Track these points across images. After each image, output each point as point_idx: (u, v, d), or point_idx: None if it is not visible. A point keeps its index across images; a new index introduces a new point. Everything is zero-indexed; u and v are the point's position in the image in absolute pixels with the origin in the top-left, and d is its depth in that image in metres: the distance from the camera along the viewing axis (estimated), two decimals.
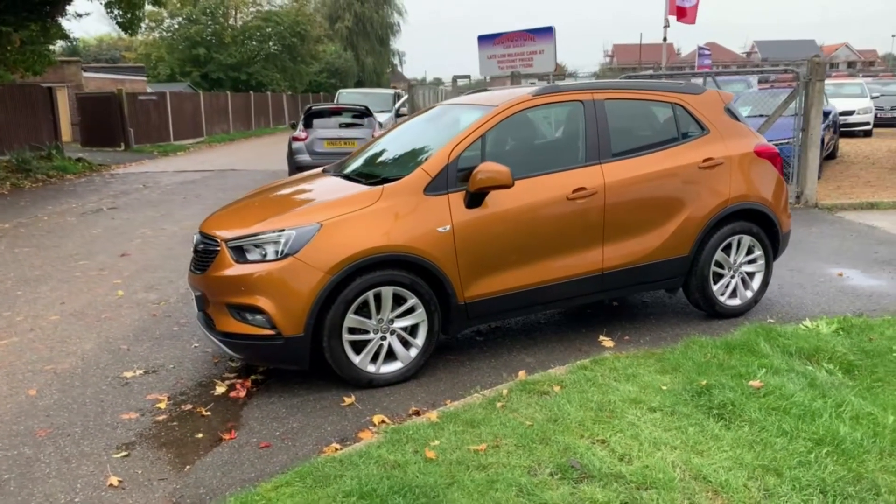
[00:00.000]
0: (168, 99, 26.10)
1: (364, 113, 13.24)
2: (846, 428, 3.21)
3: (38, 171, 15.47)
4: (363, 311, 4.11)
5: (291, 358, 4.07)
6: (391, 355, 4.24)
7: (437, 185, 4.26)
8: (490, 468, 3.01)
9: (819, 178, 10.17)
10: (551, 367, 4.27)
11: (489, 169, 4.18)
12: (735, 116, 5.30)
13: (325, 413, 3.91)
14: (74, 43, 23.48)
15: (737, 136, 5.17)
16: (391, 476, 2.94)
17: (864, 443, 3.11)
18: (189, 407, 4.03)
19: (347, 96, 22.54)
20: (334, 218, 4.08)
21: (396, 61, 61.48)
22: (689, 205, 4.89)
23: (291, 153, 12.50)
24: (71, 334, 5.28)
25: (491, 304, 4.43)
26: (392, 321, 4.20)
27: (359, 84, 47.06)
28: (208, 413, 3.95)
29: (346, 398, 4.04)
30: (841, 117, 15.39)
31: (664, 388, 3.76)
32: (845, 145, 16.00)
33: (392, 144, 5.33)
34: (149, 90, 30.03)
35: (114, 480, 3.24)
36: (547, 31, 14.51)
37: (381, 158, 5.17)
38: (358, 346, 4.15)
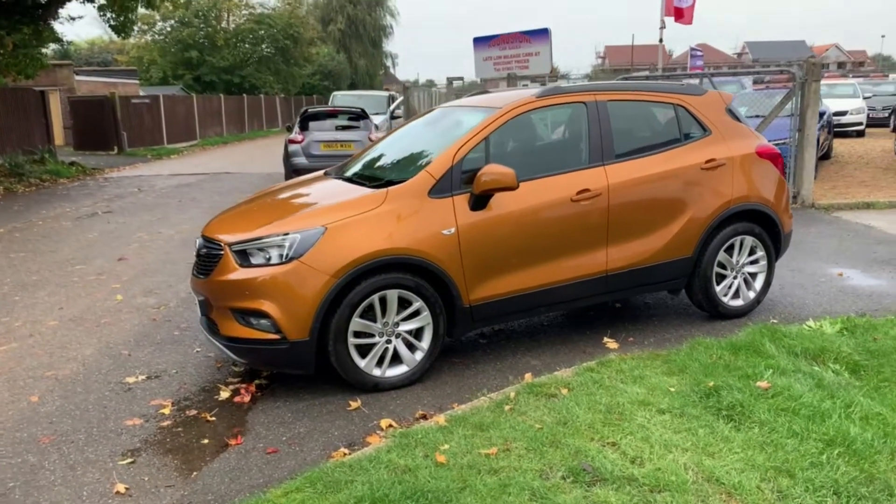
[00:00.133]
0: (161, 102, 25.99)
1: (360, 115, 13.22)
2: (856, 429, 3.21)
3: (31, 175, 15.38)
4: (368, 314, 4.09)
5: (297, 362, 4.05)
6: (396, 359, 4.22)
7: (441, 188, 4.25)
8: (502, 472, 3.00)
9: (815, 178, 10.20)
10: (557, 370, 4.25)
11: (494, 171, 4.17)
12: (736, 117, 5.31)
13: (331, 417, 3.88)
14: (66, 46, 23.26)
15: (738, 137, 5.18)
16: (403, 481, 2.92)
17: (874, 443, 3.11)
18: (194, 412, 4.00)
19: (342, 99, 22.53)
20: (339, 221, 4.05)
21: (389, 63, 61.49)
22: (692, 206, 4.89)
23: (288, 156, 12.45)
24: (71, 340, 5.23)
25: (496, 306, 4.41)
26: (397, 324, 4.17)
27: (352, 86, 47.05)
28: (213, 418, 3.92)
29: (351, 402, 4.01)
30: (834, 118, 15.46)
31: (672, 389, 3.75)
32: (839, 145, 16.08)
33: (394, 147, 5.31)
34: (141, 93, 29.93)
35: (121, 488, 3.21)
36: (543, 33, 14.53)
37: (383, 161, 5.15)
38: (363, 350, 4.12)
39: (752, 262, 5.26)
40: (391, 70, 63.60)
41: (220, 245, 4.19)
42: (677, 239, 4.87)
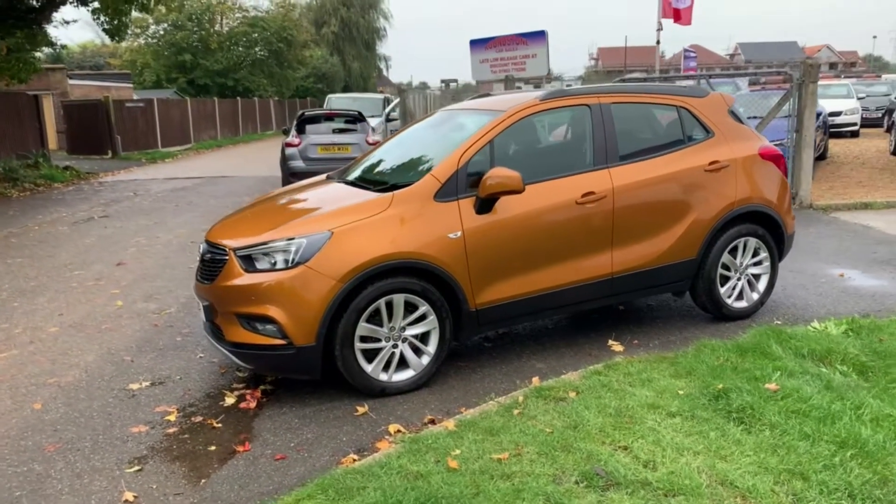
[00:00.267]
0: (155, 105, 25.88)
1: (357, 118, 13.18)
2: (868, 430, 3.21)
3: (25, 179, 15.29)
4: (375, 319, 4.06)
5: (303, 367, 4.02)
6: (403, 363, 4.20)
7: (446, 191, 4.23)
8: (514, 477, 2.98)
9: (812, 178, 10.22)
10: (564, 373, 4.24)
11: (500, 174, 4.16)
12: (738, 119, 5.32)
13: (339, 423, 3.86)
14: (59, 50, 23.14)
15: (741, 139, 5.19)
16: (416, 487, 2.90)
17: (886, 445, 3.11)
18: (199, 419, 3.97)
19: (337, 101, 22.49)
20: (345, 225, 4.03)
21: (383, 66, 61.49)
22: (696, 208, 4.89)
23: (285, 159, 12.40)
24: (72, 346, 5.19)
25: (502, 309, 4.40)
26: (404, 329, 4.15)
27: (346, 89, 47.03)
28: (220, 425, 3.89)
29: (359, 407, 3.99)
30: (829, 118, 15.51)
31: (680, 392, 3.75)
32: (834, 146, 16.14)
33: (397, 150, 5.29)
34: (135, 97, 29.80)
35: (129, 496, 3.17)
36: (539, 35, 14.52)
37: (387, 164, 5.13)
38: (370, 355, 4.10)
39: (755, 264, 5.26)
40: (385, 73, 63.64)
41: (225, 250, 4.16)
42: (682, 241, 4.87)
